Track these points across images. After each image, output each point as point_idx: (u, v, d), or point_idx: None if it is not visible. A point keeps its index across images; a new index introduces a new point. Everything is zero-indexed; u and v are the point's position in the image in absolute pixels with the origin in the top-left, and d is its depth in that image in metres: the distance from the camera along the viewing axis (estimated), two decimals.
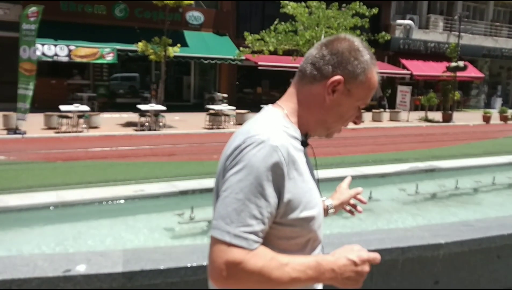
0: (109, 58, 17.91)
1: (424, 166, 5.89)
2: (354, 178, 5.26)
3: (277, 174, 1.07)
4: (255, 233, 1.05)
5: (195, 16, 21.25)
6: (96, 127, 13.66)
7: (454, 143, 13.90)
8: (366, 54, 1.26)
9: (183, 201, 4.27)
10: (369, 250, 3.03)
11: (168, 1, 15.03)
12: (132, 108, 17.60)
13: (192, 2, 15.72)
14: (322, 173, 4.61)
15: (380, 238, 3.29)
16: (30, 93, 11.81)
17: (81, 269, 2.61)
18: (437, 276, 3.41)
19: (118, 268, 2.66)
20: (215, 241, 1.06)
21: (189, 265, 2.75)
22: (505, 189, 5.81)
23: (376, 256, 1.20)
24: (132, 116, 16.37)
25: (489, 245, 3.54)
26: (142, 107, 14.18)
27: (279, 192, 1.08)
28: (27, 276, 2.53)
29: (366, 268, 1.16)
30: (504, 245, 3.61)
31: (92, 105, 16.24)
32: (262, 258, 1.05)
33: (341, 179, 5.01)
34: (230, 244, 1.04)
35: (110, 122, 15.13)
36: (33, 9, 11.62)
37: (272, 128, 1.14)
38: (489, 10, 32.20)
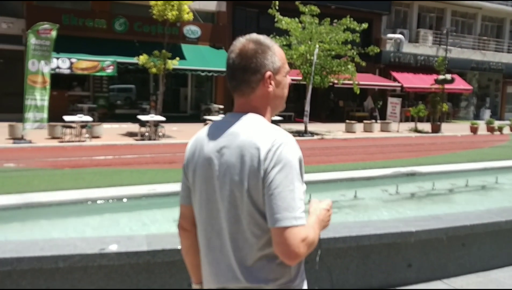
0: (109, 70, 18.51)
1: (406, 170, 6.51)
2: (342, 180, 5.88)
3: (302, 160, 1.41)
4: (304, 210, 1.35)
5: (192, 30, 21.93)
6: (98, 137, 14.20)
7: (441, 152, 14.56)
8: (264, 39, 1.51)
9: None
10: (351, 236, 3.71)
11: (169, 17, 15.67)
12: (131, 118, 18.18)
13: (192, 17, 16.37)
14: (314, 176, 5.27)
15: (360, 227, 3.88)
16: (46, 103, 12.43)
17: (113, 248, 3.18)
18: (410, 260, 3.99)
19: (143, 247, 3.23)
20: (286, 229, 1.31)
21: None
22: (476, 190, 6.44)
23: (330, 200, 1.60)
24: (131, 127, 16.92)
25: (454, 233, 4.14)
26: (143, 117, 14.75)
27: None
28: (70, 253, 3.10)
29: (331, 211, 1.58)
30: (467, 234, 4.21)
31: (92, 116, 16.78)
32: (309, 227, 1.38)
33: (331, 181, 5.65)
34: (297, 226, 1.32)
35: (111, 132, 15.68)
36: (45, 26, 12.25)
37: (279, 129, 1.43)
38: (477, 24, 33.21)
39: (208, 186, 1.48)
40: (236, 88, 1.51)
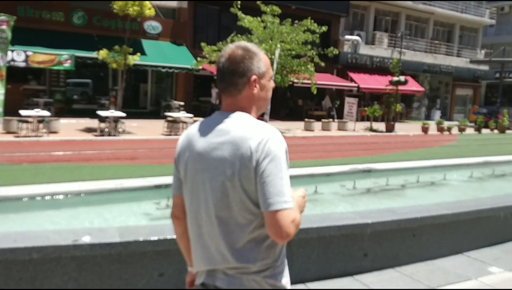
0: (67, 64, 18.07)
1: (362, 167, 6.88)
2: (302, 177, 6.15)
3: (287, 150, 1.60)
4: (291, 195, 1.55)
5: (153, 25, 21.75)
6: (55, 132, 13.90)
7: (394, 151, 15.22)
8: (251, 47, 1.68)
9: (156, 194, 4.99)
10: (313, 228, 3.98)
11: (130, 12, 15.51)
12: (89, 114, 17.88)
13: (154, 13, 16.26)
14: None
15: (321, 219, 4.15)
16: (1, 97, 12.02)
17: (86, 239, 3.28)
18: (366, 250, 4.30)
19: (116, 239, 3.35)
20: (277, 212, 1.49)
21: (174, 237, 3.48)
22: (426, 186, 6.92)
23: (304, 189, 1.80)
24: (90, 122, 16.65)
25: (406, 225, 4.48)
26: (102, 113, 14.56)
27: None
28: (44, 244, 3.17)
29: (306, 198, 1.77)
30: (418, 225, 4.56)
31: (49, 110, 16.37)
32: (295, 210, 1.56)
33: (292, 177, 5.91)
34: (287, 209, 1.50)
35: (69, 128, 15.37)
36: (2, 18, 11.86)
37: (266, 125, 1.61)
38: (429, 29, 34.65)
39: (200, 178, 1.63)
40: (225, 90, 1.67)
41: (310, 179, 6.10)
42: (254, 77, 1.67)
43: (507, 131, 26.30)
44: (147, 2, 15.69)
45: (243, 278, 1.61)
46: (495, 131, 26.16)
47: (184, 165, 1.68)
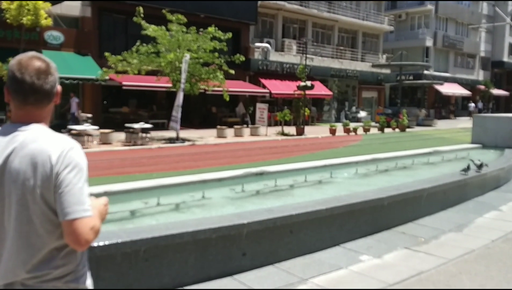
0: None
1: (255, 170, 7.13)
2: (194, 183, 6.23)
3: (86, 165, 1.67)
4: (90, 204, 1.62)
5: (54, 35, 20.79)
6: None
7: (301, 153, 15.87)
8: (45, 58, 1.74)
9: None
10: (188, 232, 4.08)
11: (24, 22, 14.74)
12: None
13: (51, 23, 15.56)
14: (167, 180, 5.49)
15: (197, 223, 4.26)
16: None
17: None
18: (244, 249, 4.47)
19: None
20: (76, 220, 1.55)
21: None
22: (315, 184, 7.35)
23: (106, 198, 1.86)
24: None
25: (282, 222, 4.73)
26: None
27: None
28: None
29: (108, 206, 1.83)
30: (294, 222, 4.83)
31: None
32: (95, 217, 1.63)
33: (182, 184, 5.94)
34: (86, 217, 1.57)
35: None
36: None
37: (65, 137, 1.69)
38: (334, 35, 36.51)
39: None
40: (37, 101, 1.68)
41: (202, 185, 6.21)
42: (60, 87, 1.77)
43: (407, 130, 28.37)
44: (43, 11, 15.00)
45: (43, 286, 1.62)
46: (397, 130, 28.10)
47: None
